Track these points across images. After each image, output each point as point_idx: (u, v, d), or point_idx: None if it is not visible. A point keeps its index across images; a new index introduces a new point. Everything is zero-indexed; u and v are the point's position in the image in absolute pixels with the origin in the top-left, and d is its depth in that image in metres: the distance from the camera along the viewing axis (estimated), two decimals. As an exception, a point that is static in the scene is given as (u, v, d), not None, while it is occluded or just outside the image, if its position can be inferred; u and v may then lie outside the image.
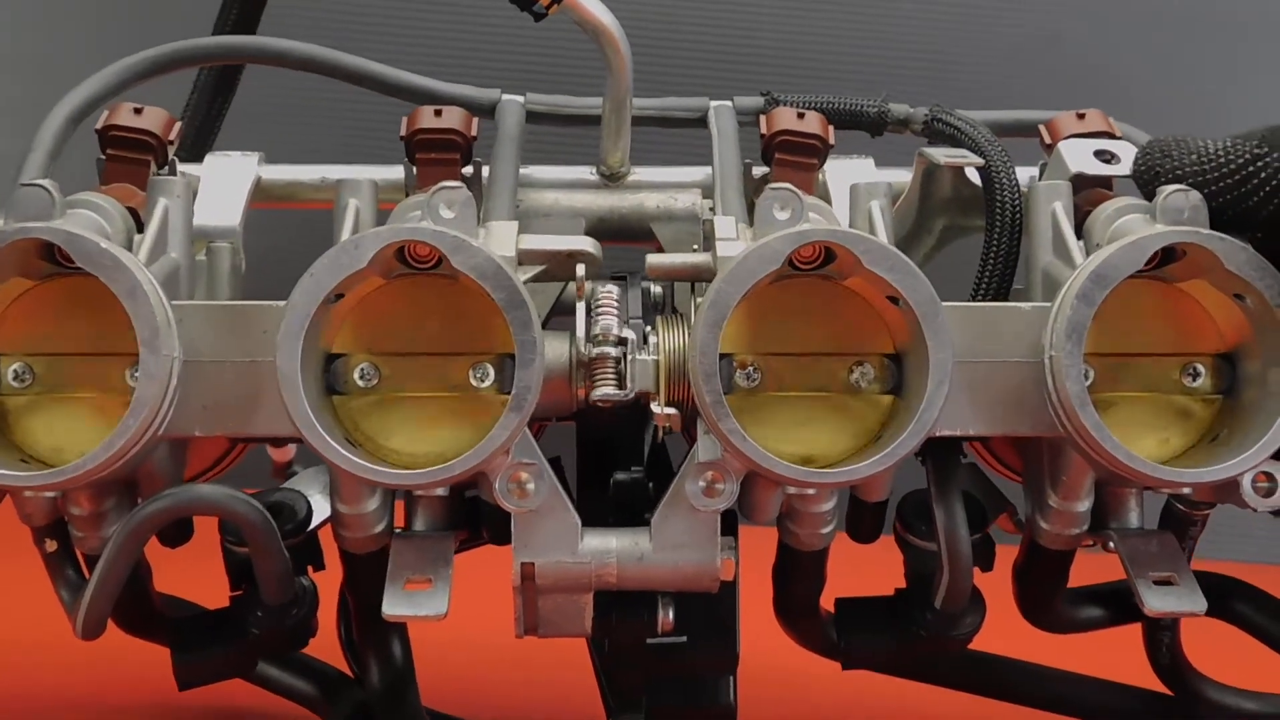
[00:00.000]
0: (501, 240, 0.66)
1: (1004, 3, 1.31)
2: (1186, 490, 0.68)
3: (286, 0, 0.97)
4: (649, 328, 0.65)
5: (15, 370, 0.65)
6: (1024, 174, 0.74)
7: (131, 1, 1.33)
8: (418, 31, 1.34)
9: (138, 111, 0.74)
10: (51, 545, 0.68)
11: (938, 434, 0.64)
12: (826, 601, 0.75)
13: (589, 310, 0.64)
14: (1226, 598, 0.76)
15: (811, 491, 0.65)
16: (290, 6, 1.01)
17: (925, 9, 1.27)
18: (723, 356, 0.62)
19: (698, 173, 0.80)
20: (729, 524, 0.66)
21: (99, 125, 0.74)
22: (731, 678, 0.72)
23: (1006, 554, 0.74)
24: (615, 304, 0.64)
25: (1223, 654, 0.80)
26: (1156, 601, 0.65)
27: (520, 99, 0.80)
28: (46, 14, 1.35)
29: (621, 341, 0.63)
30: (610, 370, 0.63)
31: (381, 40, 1.32)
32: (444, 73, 0.82)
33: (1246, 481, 0.64)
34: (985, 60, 1.29)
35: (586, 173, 0.81)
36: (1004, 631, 0.78)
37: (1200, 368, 0.66)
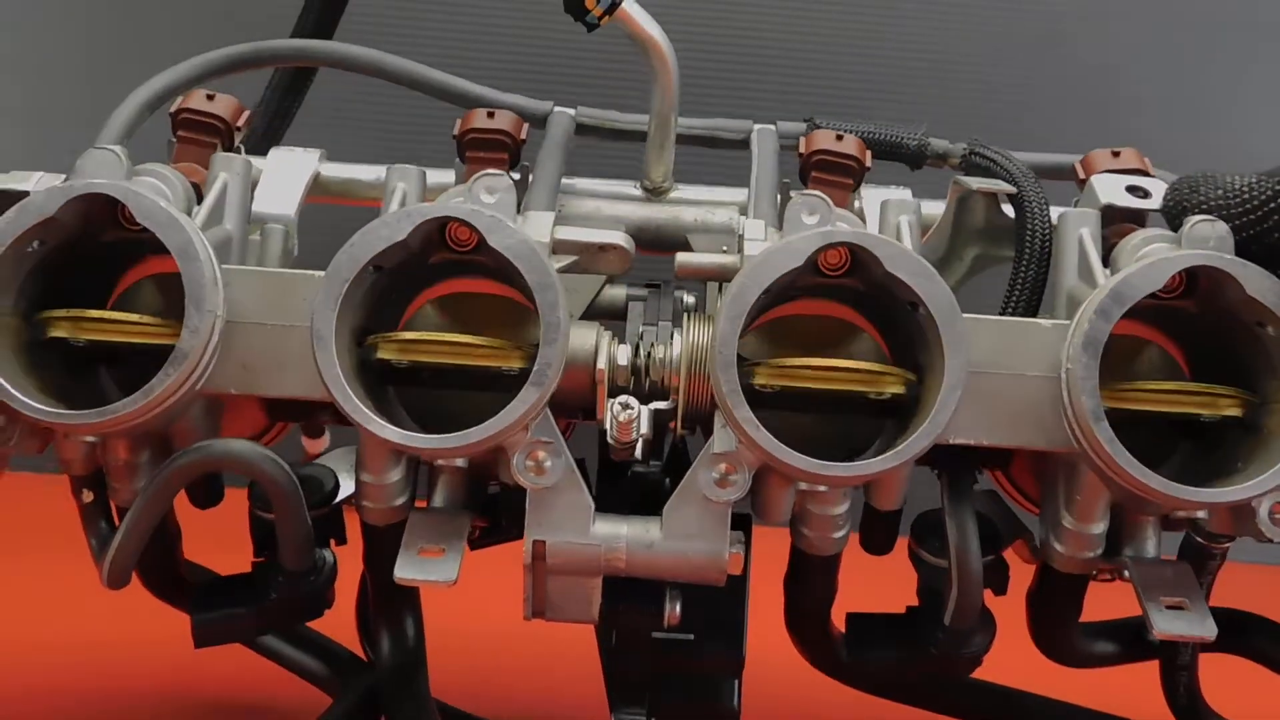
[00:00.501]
0: (538, 227, 0.69)
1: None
2: (1201, 514, 0.67)
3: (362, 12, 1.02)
4: (676, 328, 0.67)
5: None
6: (1057, 213, 0.75)
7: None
8: (478, 46, 1.39)
9: (210, 98, 0.78)
10: (88, 495, 0.71)
11: (952, 441, 0.65)
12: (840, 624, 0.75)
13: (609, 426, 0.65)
14: (1245, 633, 0.75)
15: (822, 488, 0.66)
16: (364, 18, 1.06)
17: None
18: (744, 370, 0.64)
19: (739, 193, 0.81)
20: (741, 525, 0.67)
21: (173, 109, 0.79)
22: (736, 681, 0.72)
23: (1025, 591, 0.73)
24: (633, 421, 0.65)
25: (1242, 694, 0.79)
26: (1165, 624, 0.64)
27: (571, 111, 0.83)
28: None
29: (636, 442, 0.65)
30: (627, 451, 0.66)
31: (443, 51, 1.37)
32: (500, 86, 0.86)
33: (1263, 510, 0.64)
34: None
35: (630, 187, 0.83)
36: (1023, 670, 0.77)
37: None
